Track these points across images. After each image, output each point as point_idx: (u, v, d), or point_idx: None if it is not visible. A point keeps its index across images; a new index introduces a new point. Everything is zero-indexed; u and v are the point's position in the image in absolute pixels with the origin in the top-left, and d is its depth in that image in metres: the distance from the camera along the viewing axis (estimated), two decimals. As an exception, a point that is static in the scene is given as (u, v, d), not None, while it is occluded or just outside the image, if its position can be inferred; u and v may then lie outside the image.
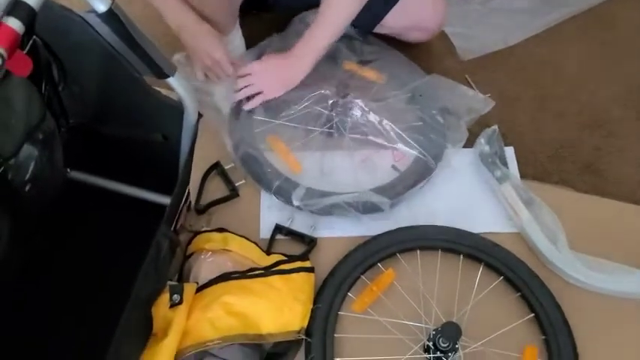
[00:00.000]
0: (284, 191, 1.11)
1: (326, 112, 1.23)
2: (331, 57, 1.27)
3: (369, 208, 1.10)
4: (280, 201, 1.12)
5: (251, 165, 1.15)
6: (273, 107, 1.23)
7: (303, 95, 1.22)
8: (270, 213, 1.13)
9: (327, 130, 1.23)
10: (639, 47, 1.47)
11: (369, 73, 1.30)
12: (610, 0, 1.53)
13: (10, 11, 0.54)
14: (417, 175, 1.16)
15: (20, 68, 0.55)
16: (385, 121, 1.20)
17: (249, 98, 1.21)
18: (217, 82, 1.23)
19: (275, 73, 1.19)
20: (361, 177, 1.17)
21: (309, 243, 1.08)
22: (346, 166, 1.19)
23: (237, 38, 1.31)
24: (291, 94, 1.21)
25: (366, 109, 1.22)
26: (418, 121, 1.23)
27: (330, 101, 1.23)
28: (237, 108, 1.23)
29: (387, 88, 1.27)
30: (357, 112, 1.22)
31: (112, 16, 0.65)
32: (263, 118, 1.22)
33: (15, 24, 0.54)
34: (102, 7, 0.64)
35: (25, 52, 0.58)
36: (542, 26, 1.49)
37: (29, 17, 0.55)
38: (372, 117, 1.21)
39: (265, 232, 1.10)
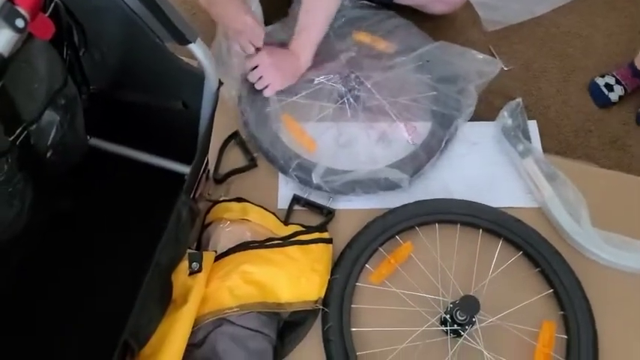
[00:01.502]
0: (301, 171, 1.10)
1: (338, 86, 1.21)
2: (341, 28, 1.25)
3: (388, 185, 1.08)
4: (298, 181, 1.10)
5: (265, 147, 1.14)
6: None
7: (314, 72, 1.21)
8: (287, 184, 1.13)
9: (340, 105, 1.21)
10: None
11: (379, 43, 1.27)
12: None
13: (32, -27, 0.53)
14: (433, 146, 1.14)
15: (42, 31, 0.55)
16: (396, 94, 1.18)
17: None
18: (251, 50, 1.19)
19: (280, 68, 1.17)
20: (377, 152, 1.15)
21: (327, 214, 1.08)
22: (361, 142, 1.17)
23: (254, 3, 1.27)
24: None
25: (377, 83, 1.20)
26: (429, 91, 1.20)
27: (342, 76, 1.21)
28: (248, 87, 1.21)
29: (396, 56, 1.24)
30: (368, 87, 1.20)
31: (133, -21, 0.64)
32: (275, 97, 1.20)
33: (37, -14, 0.53)
34: (123, -30, 0.63)
35: (47, 15, 0.57)
36: (571, -3, 1.44)
37: (51, -21, 0.54)
38: (383, 91, 1.19)
39: (283, 203, 1.10)
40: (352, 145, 1.17)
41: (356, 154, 1.15)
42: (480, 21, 1.39)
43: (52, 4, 0.58)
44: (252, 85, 1.19)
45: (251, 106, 1.18)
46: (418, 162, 1.12)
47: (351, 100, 1.20)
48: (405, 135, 1.17)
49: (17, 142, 0.64)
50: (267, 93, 1.18)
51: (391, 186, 1.09)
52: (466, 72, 1.19)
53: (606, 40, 1.38)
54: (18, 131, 0.63)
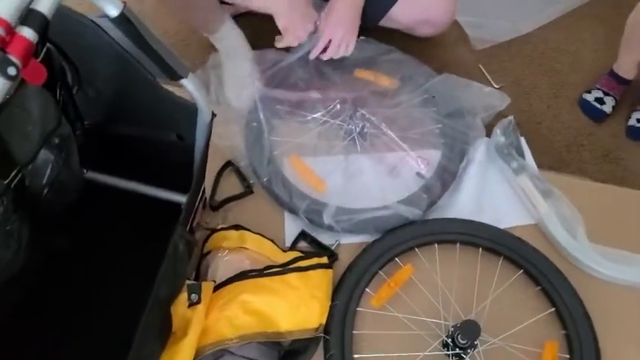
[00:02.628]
0: (312, 213, 1.08)
1: (345, 125, 1.21)
2: (341, 64, 1.26)
3: (400, 222, 1.08)
4: (309, 222, 1.09)
5: (274, 189, 1.13)
6: (291, 124, 1.22)
7: (319, 109, 1.22)
8: (294, 220, 1.12)
9: (348, 142, 1.21)
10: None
11: (382, 80, 1.28)
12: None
13: (24, 20, 0.54)
14: (443, 180, 1.14)
15: (35, 77, 0.55)
16: (404, 129, 1.19)
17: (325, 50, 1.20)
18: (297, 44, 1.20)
19: (341, 22, 1.18)
20: (388, 187, 1.14)
21: (330, 257, 1.05)
22: (371, 179, 1.16)
23: (231, 33, 1.27)
24: (307, 108, 1.22)
25: (384, 118, 1.21)
26: (436, 124, 1.22)
27: (348, 113, 1.22)
28: (251, 129, 1.20)
29: (401, 92, 1.26)
30: (375, 123, 1.21)
31: (124, 20, 0.65)
32: (281, 139, 1.20)
33: (29, 34, 0.53)
34: (114, 12, 0.64)
35: (39, 60, 0.57)
36: (557, 13, 1.46)
37: (43, 26, 0.55)
38: (391, 126, 1.20)
39: (289, 240, 1.09)
40: (362, 180, 1.16)
41: (367, 190, 1.14)
42: (469, 40, 1.41)
43: (44, 49, 0.58)
44: (254, 129, 1.19)
45: (255, 147, 1.18)
46: (431, 196, 1.11)
47: (359, 137, 1.20)
48: (417, 167, 1.17)
49: (12, 185, 0.64)
50: (348, 48, 1.19)
51: (404, 222, 1.08)
52: (472, 106, 1.21)
53: (593, 55, 1.39)
54: (13, 174, 0.63)
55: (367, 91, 1.26)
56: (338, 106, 1.22)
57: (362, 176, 1.17)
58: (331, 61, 1.22)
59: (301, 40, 1.19)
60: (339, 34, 1.18)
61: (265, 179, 1.13)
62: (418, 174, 1.16)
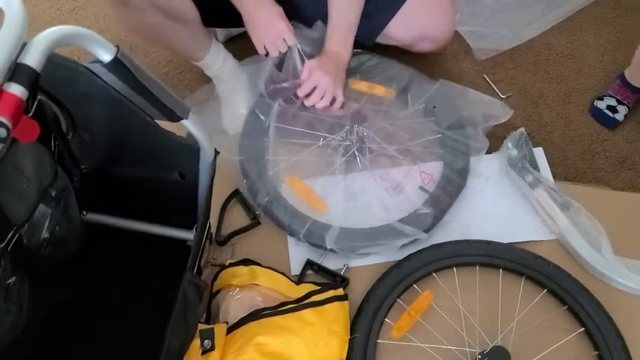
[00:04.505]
0: (314, 235, 1.05)
1: (344, 142, 1.18)
2: None
3: (406, 238, 1.04)
4: (310, 245, 1.06)
5: (273, 212, 1.09)
6: (286, 143, 1.18)
7: (316, 126, 1.18)
8: (297, 246, 1.08)
9: (348, 159, 1.17)
10: (662, 28, 1.41)
11: (379, 89, 1.24)
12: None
13: (12, 76, 0.50)
14: (448, 193, 1.10)
15: (27, 135, 0.51)
16: (404, 142, 1.16)
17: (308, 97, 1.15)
18: (277, 54, 1.17)
19: (330, 72, 1.14)
20: (390, 205, 1.11)
21: (341, 282, 1.02)
22: (373, 197, 1.12)
23: (219, 58, 1.25)
24: (303, 124, 1.18)
25: (382, 131, 1.17)
26: (436, 135, 1.18)
27: (346, 129, 1.18)
28: (247, 151, 1.16)
29: (399, 102, 1.22)
30: (373, 139, 1.17)
31: (118, 65, 0.61)
32: (276, 157, 1.16)
33: (18, 90, 0.50)
34: (107, 57, 0.60)
35: (30, 114, 0.54)
36: (558, 17, 1.43)
37: (32, 80, 0.51)
38: (390, 140, 1.16)
39: (296, 268, 1.06)
40: (364, 199, 1.12)
41: (369, 209, 1.10)
42: (472, 51, 1.37)
43: (35, 102, 0.55)
44: (252, 148, 1.15)
45: (252, 168, 1.14)
46: (437, 210, 1.07)
47: (358, 153, 1.17)
48: (420, 181, 1.13)
49: (9, 247, 0.60)
50: (327, 99, 1.14)
51: (410, 239, 1.04)
52: (472, 115, 1.17)
53: (600, 57, 1.36)
54: (9, 235, 0.60)
55: (363, 103, 1.21)
56: (335, 123, 1.18)
57: (363, 195, 1.13)
58: None
59: (289, 39, 1.14)
60: (325, 82, 1.13)
61: (265, 200, 1.10)
62: (421, 188, 1.12)
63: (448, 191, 1.10)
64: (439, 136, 1.17)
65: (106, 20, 1.51)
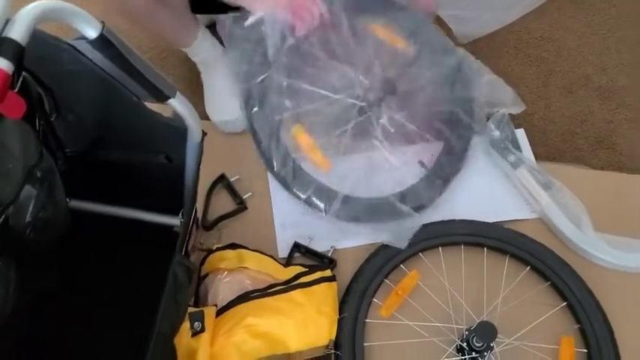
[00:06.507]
0: (317, 197, 1.04)
1: (359, 102, 1.11)
2: (355, 16, 1.12)
3: (399, 214, 1.04)
4: (310, 208, 1.05)
5: (272, 157, 1.06)
6: (297, 90, 1.10)
7: (330, 79, 1.11)
8: (284, 231, 1.08)
9: (357, 123, 1.11)
10: (637, 12, 1.43)
11: (398, 42, 1.17)
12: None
13: (-4, 50, 0.49)
14: (445, 173, 1.10)
15: (14, 111, 0.50)
16: (414, 112, 1.11)
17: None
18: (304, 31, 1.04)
19: None
20: (390, 178, 1.09)
21: (329, 264, 1.03)
22: (378, 167, 1.10)
23: (205, 45, 1.21)
24: (320, 76, 1.10)
25: (398, 101, 1.12)
26: (448, 109, 1.15)
27: (361, 90, 1.12)
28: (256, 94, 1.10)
29: (416, 63, 1.16)
30: (389, 106, 1.11)
31: (104, 42, 0.60)
32: (286, 101, 1.10)
33: (4, 64, 0.49)
34: (92, 34, 0.59)
35: (15, 90, 0.53)
36: (536, 2, 1.44)
37: (18, 54, 0.50)
38: (404, 107, 1.11)
39: (283, 252, 1.06)
40: (367, 167, 1.09)
41: (371, 178, 1.08)
42: (454, 35, 1.38)
43: (20, 78, 0.54)
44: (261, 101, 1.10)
45: (262, 122, 1.09)
46: (430, 191, 1.07)
47: (372, 117, 1.11)
48: (421, 157, 1.12)
49: (-4, 229, 0.59)
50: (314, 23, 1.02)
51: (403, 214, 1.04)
52: (481, 95, 1.14)
53: (578, 41, 1.38)
54: (-5, 217, 0.58)
55: (381, 53, 1.13)
56: (352, 76, 1.11)
57: (370, 164, 1.10)
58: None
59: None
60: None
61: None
62: (421, 163, 1.11)
63: (446, 171, 1.10)
64: (452, 111, 1.14)
65: (89, 1, 1.48)
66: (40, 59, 0.64)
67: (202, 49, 1.20)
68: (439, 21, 1.39)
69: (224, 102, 1.21)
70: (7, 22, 0.52)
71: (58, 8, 0.55)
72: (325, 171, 1.08)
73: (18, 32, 0.51)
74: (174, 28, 1.14)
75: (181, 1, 1.09)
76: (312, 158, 1.09)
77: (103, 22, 0.60)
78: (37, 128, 0.70)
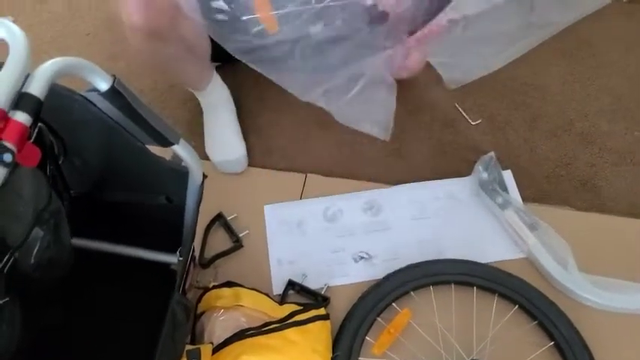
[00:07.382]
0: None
1: None
2: None
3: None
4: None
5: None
6: None
7: None
8: (280, 267, 1.12)
9: None
10: (616, 60, 1.51)
11: None
12: (582, 20, 1.56)
13: (17, 105, 0.53)
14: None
15: (30, 160, 0.54)
16: None
17: None
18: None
19: None
20: None
21: (323, 301, 1.06)
22: None
23: (217, 88, 1.29)
24: None
25: None
26: None
27: None
28: None
29: None
30: None
31: (114, 94, 0.65)
32: None
33: (23, 118, 0.53)
34: (104, 86, 0.64)
35: (32, 141, 0.57)
36: (521, 50, 1.51)
37: (36, 109, 0.54)
38: None
39: (277, 288, 1.10)
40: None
41: None
42: (442, 80, 1.45)
43: (36, 129, 0.58)
44: None
45: None
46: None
47: None
48: None
49: (5, 269, 0.62)
50: None
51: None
52: None
53: (561, 87, 1.45)
54: (5, 258, 0.61)
55: None
56: None
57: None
58: None
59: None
60: None
61: None
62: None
63: None
64: None
65: (85, 49, 1.55)
66: (54, 109, 0.68)
67: (214, 91, 1.26)
68: (428, 67, 1.46)
69: (226, 142, 1.26)
70: (27, 77, 0.57)
71: (74, 65, 0.60)
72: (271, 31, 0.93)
73: (37, 88, 0.55)
74: (195, 74, 1.21)
75: (206, 52, 1.14)
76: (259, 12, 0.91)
77: (114, 76, 0.65)
78: (48, 173, 0.73)
